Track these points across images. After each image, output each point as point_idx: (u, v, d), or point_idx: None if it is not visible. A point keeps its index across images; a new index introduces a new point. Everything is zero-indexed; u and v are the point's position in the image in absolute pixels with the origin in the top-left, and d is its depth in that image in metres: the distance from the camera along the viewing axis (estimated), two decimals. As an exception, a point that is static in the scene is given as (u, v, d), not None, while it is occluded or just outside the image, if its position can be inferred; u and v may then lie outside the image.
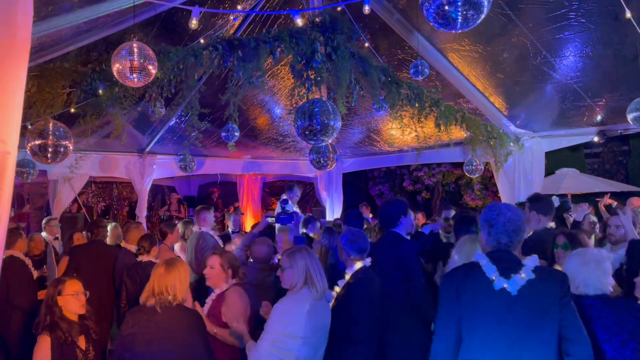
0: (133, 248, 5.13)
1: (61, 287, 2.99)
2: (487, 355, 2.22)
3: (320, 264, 2.94)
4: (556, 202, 6.66)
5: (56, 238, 6.57)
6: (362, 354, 3.13)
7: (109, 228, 6.09)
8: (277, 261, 4.21)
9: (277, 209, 7.27)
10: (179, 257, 5.12)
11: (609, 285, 2.60)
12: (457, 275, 2.42)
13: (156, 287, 2.80)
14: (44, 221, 6.79)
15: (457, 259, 3.22)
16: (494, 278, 2.27)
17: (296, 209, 6.91)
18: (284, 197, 7.11)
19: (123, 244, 5.32)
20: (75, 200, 8.54)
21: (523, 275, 2.24)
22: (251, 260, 4.37)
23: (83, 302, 3.04)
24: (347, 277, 3.33)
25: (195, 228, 5.68)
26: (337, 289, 3.33)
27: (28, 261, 4.85)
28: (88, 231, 5.41)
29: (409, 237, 4.10)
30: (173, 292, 2.80)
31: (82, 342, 3.01)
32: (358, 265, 3.32)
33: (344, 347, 3.12)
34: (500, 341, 2.21)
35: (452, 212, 5.54)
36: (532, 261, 2.29)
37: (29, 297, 4.68)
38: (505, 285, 2.24)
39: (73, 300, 2.99)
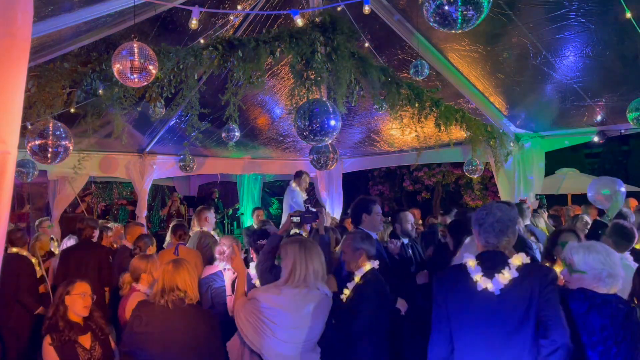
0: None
1: (70, 288, 3.07)
2: (474, 357, 2.20)
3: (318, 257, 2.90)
4: (532, 198, 6.78)
5: (51, 239, 6.54)
6: (374, 354, 3.13)
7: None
8: None
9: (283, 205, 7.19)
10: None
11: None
12: (445, 278, 2.39)
13: (166, 285, 2.82)
14: (36, 223, 6.69)
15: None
16: (476, 279, 2.24)
17: (304, 195, 6.89)
18: (293, 184, 7.05)
19: (124, 242, 5.36)
20: (77, 201, 8.50)
21: (506, 274, 2.20)
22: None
23: (88, 303, 3.10)
24: (357, 279, 3.30)
25: (196, 228, 5.66)
26: (347, 291, 3.32)
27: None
28: (77, 233, 5.40)
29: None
30: (184, 289, 2.83)
31: (85, 341, 3.02)
32: (367, 267, 3.31)
33: (357, 347, 3.13)
34: (484, 343, 2.18)
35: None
36: (518, 259, 2.24)
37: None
38: (487, 286, 2.21)
39: (79, 300, 3.05)
